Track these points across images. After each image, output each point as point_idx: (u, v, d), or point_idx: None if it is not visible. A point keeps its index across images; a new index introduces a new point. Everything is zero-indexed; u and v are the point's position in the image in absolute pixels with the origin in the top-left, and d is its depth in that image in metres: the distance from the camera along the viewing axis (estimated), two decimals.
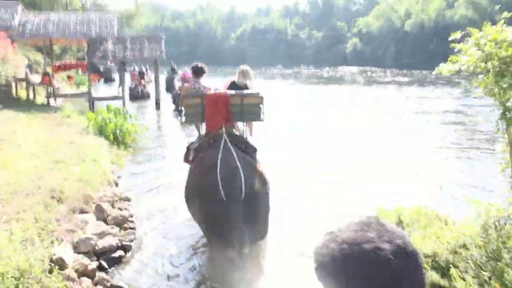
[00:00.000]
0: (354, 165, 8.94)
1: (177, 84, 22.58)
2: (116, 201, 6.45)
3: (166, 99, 21.30)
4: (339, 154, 10.08)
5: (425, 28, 65.91)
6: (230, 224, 4.76)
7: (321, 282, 1.00)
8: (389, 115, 17.30)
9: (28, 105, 16.01)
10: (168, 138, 13.43)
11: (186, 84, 6.76)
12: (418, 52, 64.82)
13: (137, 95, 23.65)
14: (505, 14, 3.89)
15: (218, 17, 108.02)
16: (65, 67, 19.53)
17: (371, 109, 18.83)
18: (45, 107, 16.00)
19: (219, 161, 4.83)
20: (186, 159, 5.96)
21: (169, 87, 25.19)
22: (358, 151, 10.64)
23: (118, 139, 10.25)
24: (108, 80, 35.14)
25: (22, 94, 18.48)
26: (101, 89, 28.51)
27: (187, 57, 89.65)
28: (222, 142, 5.02)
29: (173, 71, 27.78)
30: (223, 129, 5.17)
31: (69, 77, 21.62)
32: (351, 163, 9.13)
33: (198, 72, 6.14)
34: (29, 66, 20.00)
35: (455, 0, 63.30)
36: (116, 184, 7.37)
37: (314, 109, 19.46)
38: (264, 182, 5.23)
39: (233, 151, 4.95)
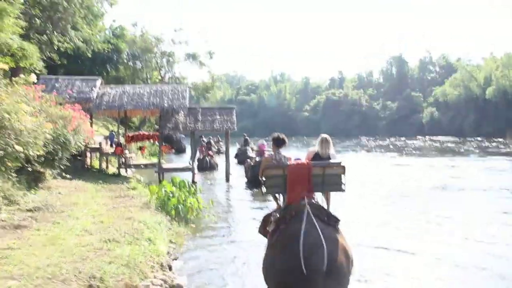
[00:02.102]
0: None
1: (251, 156, 22.36)
2: None
3: (237, 171, 20.85)
4: None
5: (508, 95, 63.15)
6: None
7: None
8: None
9: (99, 175, 16.06)
10: (236, 214, 12.53)
11: (266, 155, 6.63)
12: (501, 120, 62.03)
13: (205, 166, 23.58)
14: None
15: (292, 88, 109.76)
16: (138, 138, 19.67)
17: None
18: (115, 178, 15.93)
19: (302, 235, 4.60)
20: (261, 231, 5.90)
21: (241, 159, 24.91)
22: None
23: (180, 215, 9.60)
24: (180, 151, 35.60)
25: (96, 164, 18.74)
26: (172, 160, 28.75)
27: (262, 129, 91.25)
28: (305, 214, 4.81)
29: (246, 143, 27.63)
30: (305, 200, 4.98)
31: (141, 148, 21.78)
32: None
33: (279, 143, 6.04)
34: (112, 136, 20.43)
35: None
36: (170, 268, 6.58)
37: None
38: (347, 256, 4.89)
39: (316, 224, 4.73)
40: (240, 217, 11.80)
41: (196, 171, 18.03)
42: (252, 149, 23.76)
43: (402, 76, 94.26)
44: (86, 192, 11.22)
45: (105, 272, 5.08)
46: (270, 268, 4.88)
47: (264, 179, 5.48)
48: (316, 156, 5.87)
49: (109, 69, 42.42)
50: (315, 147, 6.00)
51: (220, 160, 24.27)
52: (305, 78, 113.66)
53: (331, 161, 5.69)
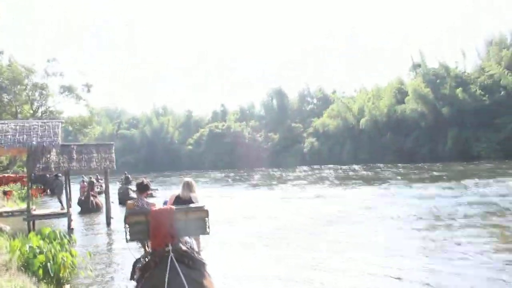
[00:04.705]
0: None
1: (133, 195, 20.91)
2: None
3: (119, 213, 19.19)
4: None
5: (379, 123, 67.55)
6: None
7: None
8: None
9: None
10: (118, 265, 10.86)
11: (129, 201, 6.34)
12: (374, 147, 66.03)
13: (90, 207, 21.67)
14: None
15: (175, 121, 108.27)
16: (1, 181, 17.30)
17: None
18: None
19: (166, 285, 4.71)
20: (132, 278, 5.84)
21: (122, 198, 23.25)
22: None
23: (49, 274, 7.99)
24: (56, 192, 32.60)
25: None
26: (47, 203, 26.05)
27: (145, 165, 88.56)
28: (169, 261, 4.91)
29: (127, 181, 25.92)
30: (170, 246, 5.11)
31: (5, 193, 19.19)
32: None
33: (141, 189, 6.13)
34: None
35: (404, 96, 65.81)
36: None
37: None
38: None
39: (180, 272, 4.84)
40: (121, 268, 10.34)
41: (72, 217, 16.11)
42: (132, 190, 22.34)
43: (283, 108, 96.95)
44: None
45: None
46: None
47: (127, 226, 5.42)
48: (177, 199, 6.06)
49: None
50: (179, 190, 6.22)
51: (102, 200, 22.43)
52: (187, 111, 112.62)
53: (194, 205, 5.80)
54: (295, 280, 8.65)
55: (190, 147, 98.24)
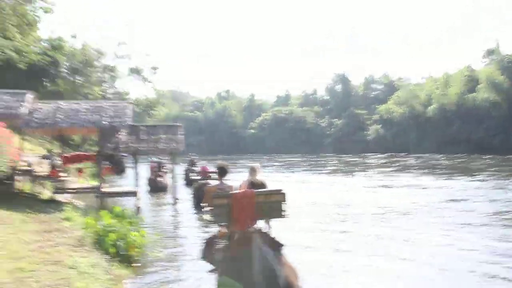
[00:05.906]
0: None
1: (194, 177, 21.37)
2: None
3: (184, 194, 19.53)
4: None
5: (447, 112, 65.00)
6: None
7: None
8: None
9: (29, 202, 14.17)
10: (184, 246, 10.80)
11: (209, 186, 7.00)
12: (440, 136, 63.71)
13: (156, 187, 22.26)
14: None
15: (238, 105, 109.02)
16: (76, 159, 17.92)
17: None
18: (48, 205, 14.08)
19: (256, 263, 4.98)
20: (205, 256, 6.22)
21: (188, 180, 23.75)
22: None
23: (120, 253, 8.16)
24: (120, 171, 33.56)
25: (27, 188, 16.81)
26: (115, 181, 26.92)
27: (207, 146, 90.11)
28: (254, 242, 5.18)
29: (192, 163, 26.42)
30: (252, 228, 5.42)
31: (79, 170, 19.90)
32: None
33: (221, 172, 6.50)
34: (49, 157, 18.41)
35: (475, 84, 62.80)
36: None
37: None
38: (297, 277, 5.35)
39: (265, 252, 5.12)
40: (188, 250, 10.37)
41: (139, 196, 16.48)
42: (196, 172, 22.84)
43: (347, 94, 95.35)
44: (7, 225, 9.52)
45: None
46: None
47: (210, 208, 5.72)
48: (251, 184, 6.16)
49: (46, 83, 40.11)
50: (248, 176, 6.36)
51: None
52: (251, 95, 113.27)
53: (272, 188, 5.97)
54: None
55: (252, 131, 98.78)
